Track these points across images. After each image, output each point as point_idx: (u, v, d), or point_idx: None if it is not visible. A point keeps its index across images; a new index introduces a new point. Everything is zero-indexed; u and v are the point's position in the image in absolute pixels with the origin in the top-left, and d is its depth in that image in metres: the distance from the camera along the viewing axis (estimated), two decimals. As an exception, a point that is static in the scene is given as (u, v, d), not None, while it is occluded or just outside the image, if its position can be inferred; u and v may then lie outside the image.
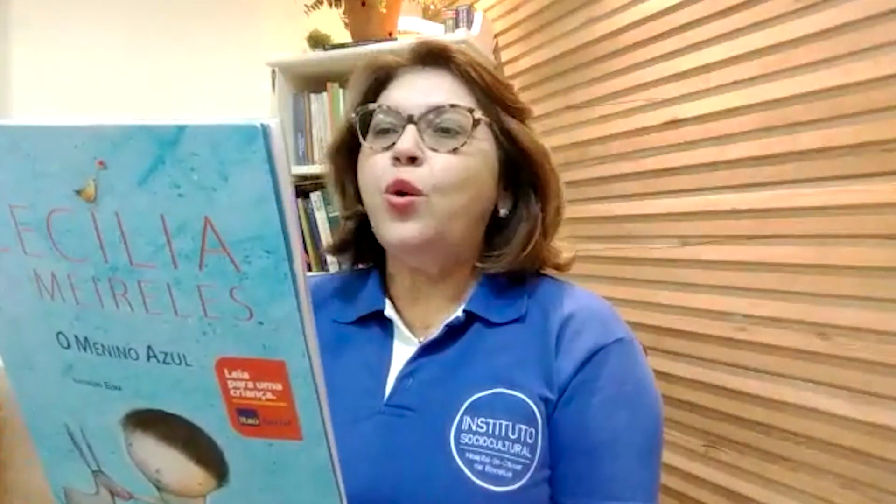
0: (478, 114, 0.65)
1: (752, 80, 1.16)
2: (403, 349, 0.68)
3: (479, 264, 0.69)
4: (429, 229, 0.63)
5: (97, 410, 0.34)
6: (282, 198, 0.27)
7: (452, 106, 0.65)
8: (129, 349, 0.32)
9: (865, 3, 0.98)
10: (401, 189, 0.62)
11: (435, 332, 0.66)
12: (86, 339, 0.32)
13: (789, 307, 1.11)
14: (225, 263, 0.28)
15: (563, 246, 0.73)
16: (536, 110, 1.85)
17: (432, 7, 2.08)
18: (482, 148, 0.66)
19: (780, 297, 1.13)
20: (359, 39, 1.85)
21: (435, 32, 1.90)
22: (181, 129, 0.26)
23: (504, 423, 0.60)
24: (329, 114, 1.85)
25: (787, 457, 1.13)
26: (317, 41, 1.89)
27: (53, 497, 0.38)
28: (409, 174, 0.62)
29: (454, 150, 0.64)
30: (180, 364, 0.31)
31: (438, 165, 0.63)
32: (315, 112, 1.86)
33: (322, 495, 0.33)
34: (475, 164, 0.65)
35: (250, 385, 0.31)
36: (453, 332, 0.66)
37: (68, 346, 0.33)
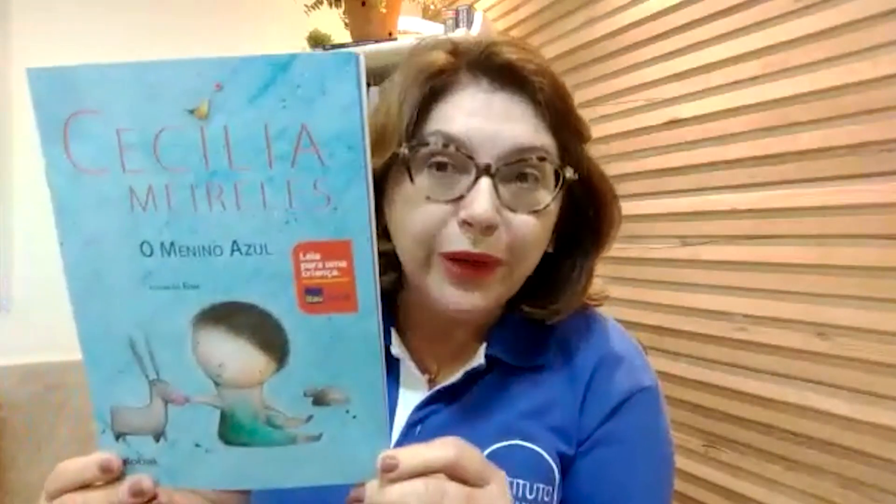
0: (569, 171, 0.54)
1: (752, 80, 1.17)
2: (411, 391, 0.60)
3: (527, 309, 0.59)
4: (497, 297, 0.55)
5: (169, 314, 0.38)
6: (363, 106, 0.35)
7: (541, 159, 0.52)
8: (215, 246, 0.37)
9: (865, 3, 0.99)
10: (481, 263, 0.52)
11: (451, 377, 0.59)
12: (172, 243, 0.37)
13: (789, 307, 1.11)
14: (313, 160, 0.35)
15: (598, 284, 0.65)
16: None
17: (432, 7, 2.08)
18: (558, 203, 0.56)
19: (780, 297, 1.13)
20: (359, 39, 1.85)
21: (435, 32, 1.90)
22: (294, 56, 0.34)
23: (521, 482, 0.55)
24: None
25: (787, 457, 1.13)
26: (317, 41, 1.89)
27: (96, 423, 0.41)
28: (485, 245, 0.51)
29: (534, 212, 0.52)
30: (261, 254, 0.37)
31: (517, 228, 0.52)
32: (315, 112, 1.86)
33: (367, 364, 0.38)
34: (551, 222, 0.56)
35: (320, 265, 0.37)
36: (471, 377, 0.59)
37: (150, 254, 0.37)
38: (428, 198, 0.52)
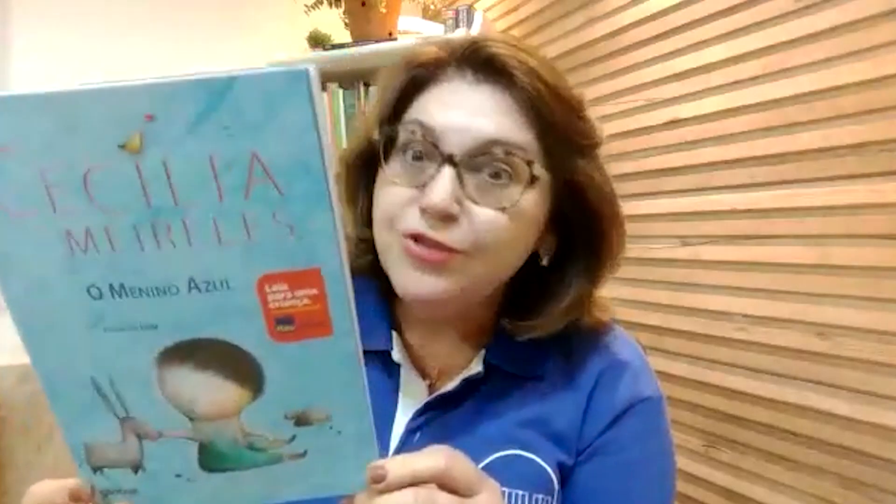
0: (538, 168, 0.51)
1: (752, 80, 1.17)
2: (410, 396, 0.59)
3: (505, 323, 0.57)
4: (455, 289, 0.52)
5: (130, 355, 0.36)
6: (319, 126, 0.31)
7: (508, 153, 0.50)
8: (169, 286, 0.34)
9: (865, 3, 0.99)
10: (436, 247, 0.51)
11: (449, 384, 0.58)
12: (121, 285, 0.34)
13: (789, 307, 1.11)
14: (269, 190, 0.32)
15: (599, 297, 0.61)
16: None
17: (432, 7, 2.08)
18: (534, 205, 0.53)
19: (780, 297, 1.13)
20: (359, 39, 1.85)
21: (435, 32, 1.90)
22: (233, 78, 0.30)
23: (520, 492, 0.54)
24: (329, 114, 1.85)
25: (788, 457, 1.13)
26: (317, 41, 1.89)
27: (72, 456, 0.39)
28: (442, 235, 0.50)
29: (501, 209, 0.50)
30: (221, 289, 0.34)
31: (480, 222, 0.50)
32: (315, 112, 1.86)
33: (348, 382, 0.37)
34: (523, 224, 0.52)
35: (288, 295, 0.34)
36: (471, 385, 0.58)
37: (100, 297, 0.35)
38: (395, 182, 0.52)
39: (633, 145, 1.43)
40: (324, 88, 1.85)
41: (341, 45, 1.83)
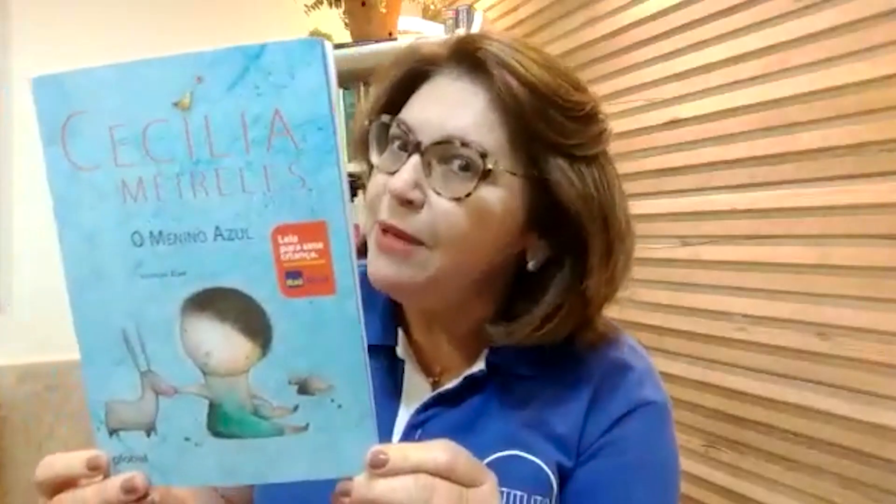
0: (491, 161, 0.51)
1: (752, 80, 1.17)
2: (414, 392, 0.60)
3: (489, 328, 0.56)
4: (417, 280, 0.52)
5: (159, 302, 0.40)
6: (331, 89, 0.37)
7: (464, 144, 0.51)
8: (199, 232, 0.38)
9: (865, 3, 0.99)
10: (394, 233, 0.52)
11: (452, 381, 0.58)
12: (160, 231, 0.39)
13: (789, 307, 1.11)
14: (287, 143, 0.37)
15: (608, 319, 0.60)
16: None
17: (432, 7, 2.08)
18: (495, 200, 0.52)
19: (779, 297, 1.13)
20: (359, 39, 1.85)
21: (435, 32, 1.90)
22: (264, 45, 0.36)
23: (519, 493, 0.54)
24: (329, 114, 1.85)
25: (787, 457, 1.13)
26: (317, 41, 1.89)
27: (91, 421, 0.42)
28: (404, 221, 0.51)
29: (457, 199, 0.51)
30: (242, 238, 0.38)
31: (437, 212, 0.51)
32: (315, 112, 1.87)
33: (348, 349, 0.39)
34: (481, 218, 0.52)
35: (298, 247, 0.38)
36: (473, 383, 0.58)
37: (141, 244, 0.39)
38: (377, 167, 0.55)
39: (633, 145, 1.43)
40: (324, 88, 1.85)
41: (341, 45, 1.83)
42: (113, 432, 0.42)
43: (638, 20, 1.42)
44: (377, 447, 0.38)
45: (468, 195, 0.51)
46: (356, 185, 1.82)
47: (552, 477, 0.55)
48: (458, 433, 0.55)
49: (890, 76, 0.96)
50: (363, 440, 0.40)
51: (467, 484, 0.39)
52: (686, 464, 1.30)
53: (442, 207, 0.51)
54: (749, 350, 1.19)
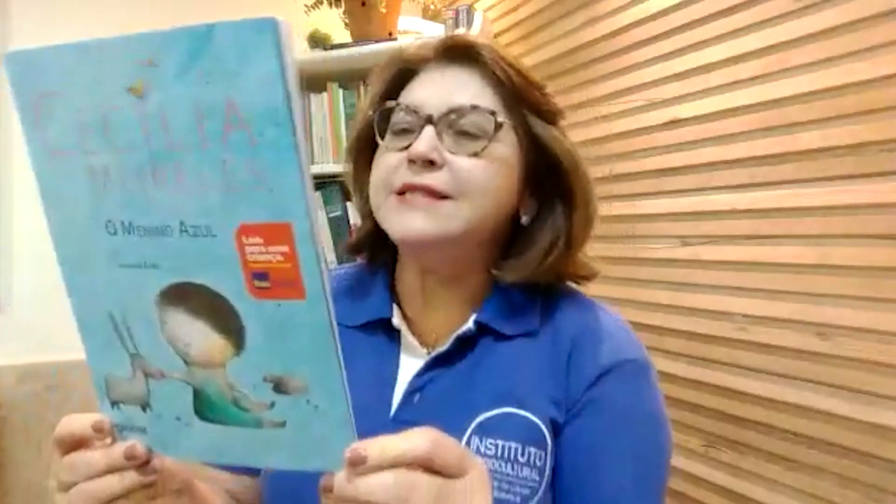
0: (500, 117, 0.61)
1: (752, 80, 1.17)
2: (411, 360, 0.64)
3: (494, 271, 0.64)
4: (448, 230, 0.59)
5: (137, 292, 0.38)
6: (287, 78, 0.32)
7: (474, 107, 0.60)
8: (166, 226, 0.36)
9: (865, 3, 0.99)
10: (418, 191, 0.59)
11: (445, 343, 0.63)
12: (130, 222, 0.37)
13: (789, 307, 1.11)
14: (243, 137, 0.33)
15: (589, 260, 0.68)
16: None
17: (432, 7, 2.08)
18: (504, 153, 0.62)
19: (780, 297, 1.13)
20: (359, 39, 1.85)
21: (435, 32, 1.90)
22: (212, 26, 0.33)
23: (514, 445, 0.57)
24: (329, 114, 1.85)
25: (787, 457, 1.13)
26: (317, 41, 1.89)
27: (94, 388, 0.43)
28: (427, 178, 0.58)
29: (474, 154, 0.59)
30: (207, 235, 0.36)
31: (459, 168, 0.59)
32: (315, 112, 1.86)
33: (321, 354, 0.37)
34: (496, 169, 0.61)
35: (263, 249, 0.35)
36: (464, 344, 0.63)
37: (115, 233, 0.37)
38: (387, 147, 0.62)
39: (633, 145, 1.42)
40: (324, 88, 1.85)
41: (341, 45, 1.83)
42: (114, 404, 0.43)
43: (638, 20, 1.42)
44: (356, 444, 0.38)
45: (484, 149, 0.60)
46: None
47: (545, 430, 0.59)
48: (453, 394, 0.61)
49: (890, 76, 0.96)
50: (342, 439, 0.38)
51: (451, 474, 0.39)
52: (686, 464, 1.31)
53: (461, 163, 0.59)
54: (749, 350, 1.19)
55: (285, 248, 0.35)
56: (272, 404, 0.39)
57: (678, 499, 1.33)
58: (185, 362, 0.40)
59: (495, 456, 0.57)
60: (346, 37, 1.92)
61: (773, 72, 1.13)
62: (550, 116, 0.65)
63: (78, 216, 0.38)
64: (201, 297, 0.37)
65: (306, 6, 1.92)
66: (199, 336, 0.38)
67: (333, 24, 1.94)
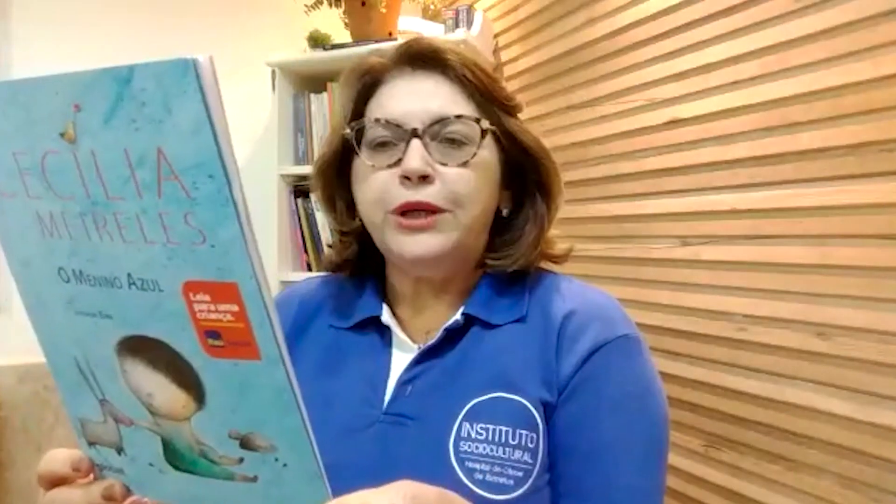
0: (485, 123, 0.63)
1: (752, 80, 1.16)
2: (402, 355, 0.66)
3: (489, 262, 0.66)
4: (449, 242, 0.61)
5: (96, 340, 0.37)
6: (215, 126, 0.29)
7: (458, 117, 0.61)
8: (115, 278, 0.34)
9: (865, 3, 0.98)
10: (417, 209, 0.60)
11: (434, 336, 0.64)
12: (80, 271, 0.35)
13: (789, 307, 1.11)
14: (178, 190, 0.31)
15: (555, 235, 0.70)
16: (537, 110, 1.85)
17: (432, 7, 2.08)
18: (488, 157, 0.64)
19: (780, 297, 1.13)
20: (359, 39, 1.85)
21: (435, 32, 1.90)
22: (132, 68, 0.29)
23: (504, 428, 0.58)
24: (329, 114, 1.85)
25: (787, 457, 1.13)
26: (317, 41, 1.89)
27: (72, 429, 0.42)
28: (423, 194, 0.60)
29: (464, 164, 0.61)
30: (154, 290, 0.33)
31: (451, 181, 0.61)
32: (315, 112, 1.87)
33: (284, 415, 0.35)
34: (483, 174, 0.63)
35: (212, 307, 0.33)
36: (452, 336, 0.64)
37: (68, 281, 0.36)
38: (373, 166, 0.62)
39: (633, 145, 1.42)
40: (324, 88, 1.85)
41: (341, 45, 1.83)
42: (90, 444, 0.42)
43: (638, 20, 1.41)
44: (333, 502, 0.37)
45: (473, 156, 0.61)
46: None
47: (536, 413, 0.59)
48: (444, 382, 0.62)
49: (890, 76, 0.96)
50: (315, 495, 0.37)
51: None
52: (686, 464, 1.31)
53: (453, 174, 0.61)
54: (749, 350, 1.19)
55: (234, 308, 0.32)
56: (241, 459, 0.38)
57: (678, 499, 1.33)
58: (150, 412, 0.38)
59: (486, 440, 0.58)
60: (346, 37, 1.92)
61: (772, 72, 1.13)
62: (516, 109, 0.67)
63: (33, 260, 0.36)
64: (159, 350, 0.35)
65: (306, 6, 1.92)
66: (160, 388, 0.37)
67: (333, 24, 1.94)
